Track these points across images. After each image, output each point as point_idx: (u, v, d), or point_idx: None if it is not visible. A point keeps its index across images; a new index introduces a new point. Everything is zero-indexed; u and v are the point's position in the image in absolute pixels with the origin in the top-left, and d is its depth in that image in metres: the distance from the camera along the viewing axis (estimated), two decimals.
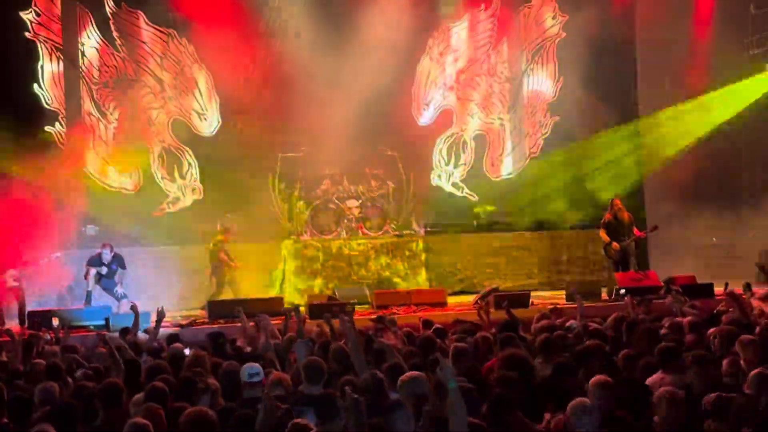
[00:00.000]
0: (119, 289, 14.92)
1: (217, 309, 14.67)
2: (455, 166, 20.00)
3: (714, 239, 19.77)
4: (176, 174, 18.76)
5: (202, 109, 18.88)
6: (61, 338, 9.89)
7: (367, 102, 17.68)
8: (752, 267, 17.30)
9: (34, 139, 16.64)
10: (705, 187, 19.21)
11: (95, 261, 15.07)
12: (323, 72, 17.99)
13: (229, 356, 8.30)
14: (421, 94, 19.91)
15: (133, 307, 9.84)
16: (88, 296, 15.05)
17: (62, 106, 17.99)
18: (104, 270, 14.96)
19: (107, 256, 15.06)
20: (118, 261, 15.16)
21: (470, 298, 15.99)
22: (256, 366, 6.94)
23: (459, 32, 20.08)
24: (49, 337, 10.16)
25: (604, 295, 15.46)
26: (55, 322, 10.42)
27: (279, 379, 6.90)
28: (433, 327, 9.74)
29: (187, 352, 8.70)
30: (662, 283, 14.66)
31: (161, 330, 10.13)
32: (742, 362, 6.92)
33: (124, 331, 9.97)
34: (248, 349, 9.10)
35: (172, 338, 9.80)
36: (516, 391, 6.06)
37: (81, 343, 10.15)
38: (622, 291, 12.45)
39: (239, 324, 10.67)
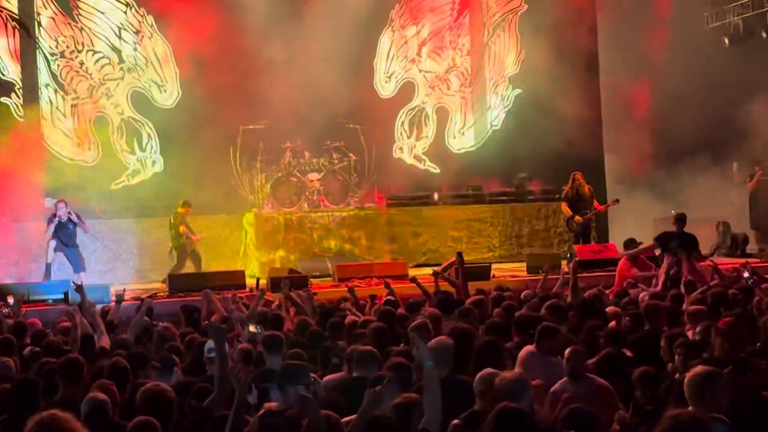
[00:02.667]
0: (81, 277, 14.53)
1: (178, 283, 14.61)
2: (417, 139, 19.99)
3: (673, 211, 20.01)
4: (136, 146, 18.57)
5: (162, 81, 18.67)
6: (14, 314, 9.71)
7: (329, 74, 17.57)
8: (711, 237, 17.67)
9: None
10: (666, 159, 19.43)
11: (50, 219, 14.89)
12: (285, 44, 17.85)
13: (201, 331, 8.25)
14: (383, 67, 19.84)
15: (79, 288, 9.53)
16: (48, 269, 14.88)
17: (18, 77, 17.73)
18: (56, 222, 14.71)
19: (63, 210, 14.83)
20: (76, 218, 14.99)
21: (432, 271, 16.01)
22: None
23: (421, 4, 20.00)
24: (6, 311, 10.03)
25: (565, 268, 15.58)
26: (10, 300, 10.21)
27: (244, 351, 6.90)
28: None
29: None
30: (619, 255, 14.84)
31: (125, 304, 10.07)
32: None
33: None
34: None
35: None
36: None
37: (39, 318, 10.03)
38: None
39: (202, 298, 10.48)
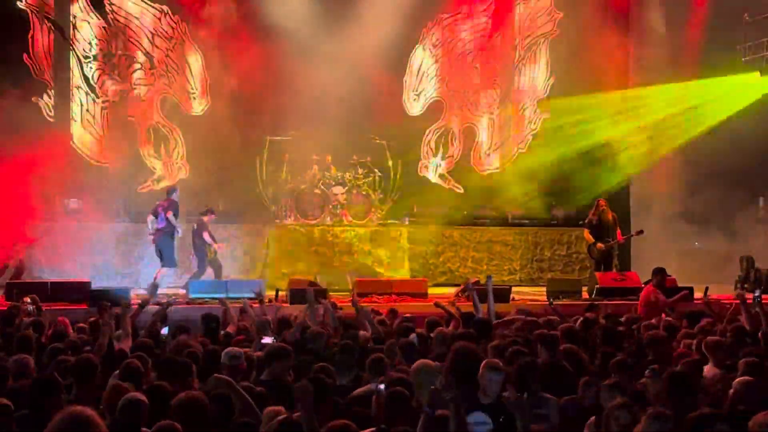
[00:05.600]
0: None
1: (198, 290, 14.64)
2: (443, 158, 20.00)
3: (696, 243, 19.87)
4: (163, 151, 18.68)
5: (192, 88, 18.79)
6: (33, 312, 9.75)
7: (359, 89, 17.67)
8: (735, 272, 17.51)
9: (20, 110, 16.52)
10: (692, 191, 19.30)
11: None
12: (316, 57, 17.93)
13: (219, 342, 8.19)
14: (413, 84, 19.88)
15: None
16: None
17: (51, 77, 17.90)
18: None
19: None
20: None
21: (452, 291, 15.99)
22: (238, 350, 6.91)
23: (454, 24, 20.05)
24: (31, 308, 10.09)
25: (585, 294, 15.51)
26: (27, 300, 10.28)
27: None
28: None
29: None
30: (642, 284, 14.72)
31: (155, 307, 10.05)
32: None
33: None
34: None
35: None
36: None
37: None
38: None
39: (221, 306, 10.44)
